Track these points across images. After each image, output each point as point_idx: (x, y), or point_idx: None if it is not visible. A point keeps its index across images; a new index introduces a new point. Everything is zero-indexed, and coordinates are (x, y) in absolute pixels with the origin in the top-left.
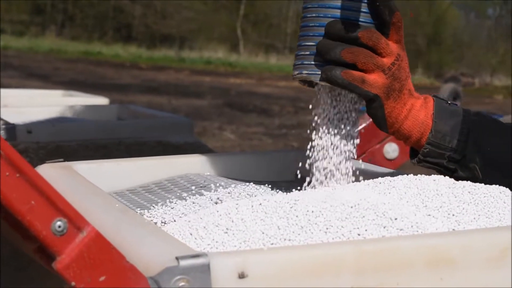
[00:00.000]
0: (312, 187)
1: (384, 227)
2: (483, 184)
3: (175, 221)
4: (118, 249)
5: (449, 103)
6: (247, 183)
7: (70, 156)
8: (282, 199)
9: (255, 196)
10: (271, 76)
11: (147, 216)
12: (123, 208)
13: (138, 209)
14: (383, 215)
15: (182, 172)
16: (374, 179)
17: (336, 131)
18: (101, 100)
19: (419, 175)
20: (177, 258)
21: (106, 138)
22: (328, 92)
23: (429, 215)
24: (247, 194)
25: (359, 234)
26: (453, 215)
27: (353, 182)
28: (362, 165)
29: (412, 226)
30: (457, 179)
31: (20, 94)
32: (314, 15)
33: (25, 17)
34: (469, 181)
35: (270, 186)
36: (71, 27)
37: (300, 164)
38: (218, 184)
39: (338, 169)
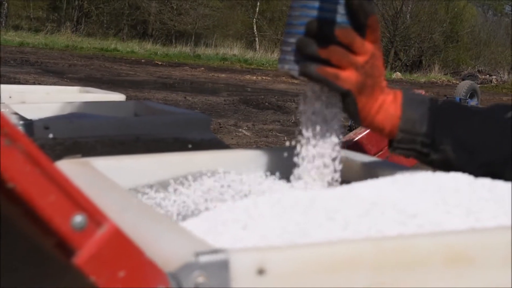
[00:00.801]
0: (301, 181)
1: (403, 224)
2: (502, 182)
3: (193, 217)
4: (137, 245)
5: (415, 94)
6: (265, 179)
7: (88, 152)
8: (301, 195)
9: (274, 192)
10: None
11: (165, 212)
12: (141, 204)
13: (156, 205)
14: (402, 212)
15: (199, 168)
16: (393, 176)
17: (320, 122)
18: (118, 97)
19: (437, 172)
20: (196, 254)
21: (123, 134)
22: (312, 86)
23: (448, 212)
24: (265, 190)
25: (377, 231)
26: (472, 212)
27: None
28: (350, 154)
29: (431, 223)
30: (431, 163)
31: (37, 90)
32: (297, 14)
33: (41, 14)
34: (487, 179)
35: (288, 182)
36: (87, 24)
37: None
38: (235, 180)
39: (325, 160)
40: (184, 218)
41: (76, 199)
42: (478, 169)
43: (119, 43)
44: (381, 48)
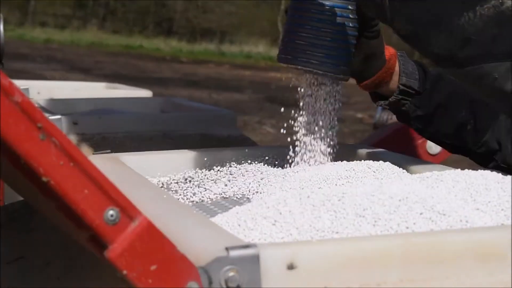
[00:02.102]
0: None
1: (432, 221)
2: None
3: (223, 212)
4: (169, 239)
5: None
6: (293, 175)
7: (116, 147)
8: (330, 191)
9: (302, 188)
10: None
11: (194, 207)
12: (171, 199)
13: (186, 200)
14: (431, 208)
15: (227, 164)
16: (422, 173)
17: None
18: (145, 93)
19: (466, 170)
20: (226, 249)
21: (151, 130)
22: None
23: (478, 209)
24: (294, 186)
25: (407, 228)
26: (501, 209)
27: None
28: (378, 152)
29: (460, 220)
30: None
31: (65, 86)
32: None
33: (67, 10)
34: None
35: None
36: (113, 21)
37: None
38: (263, 175)
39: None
40: (214, 213)
41: (109, 194)
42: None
43: (144, 41)
44: None
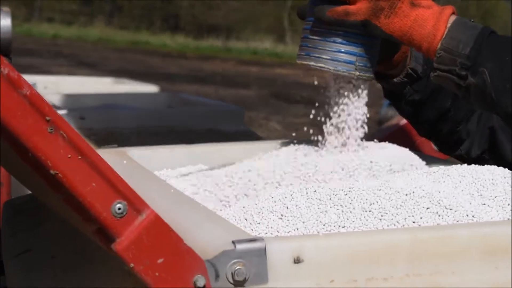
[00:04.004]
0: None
1: (439, 215)
2: None
3: (230, 206)
4: (176, 232)
5: (471, 20)
6: (299, 170)
7: (122, 142)
8: (337, 186)
9: (309, 182)
10: None
11: (202, 202)
12: (178, 193)
13: (193, 194)
14: (438, 203)
15: (234, 159)
16: (429, 168)
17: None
18: (151, 88)
19: (473, 165)
20: (233, 242)
21: (157, 125)
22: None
23: (484, 204)
24: (301, 180)
25: (414, 222)
26: (508, 204)
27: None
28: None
29: (467, 215)
30: (465, 90)
31: (72, 81)
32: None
33: (74, 6)
34: None
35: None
36: (119, 17)
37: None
38: (270, 169)
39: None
40: (221, 207)
41: (117, 187)
42: (506, 115)
43: (151, 37)
44: None
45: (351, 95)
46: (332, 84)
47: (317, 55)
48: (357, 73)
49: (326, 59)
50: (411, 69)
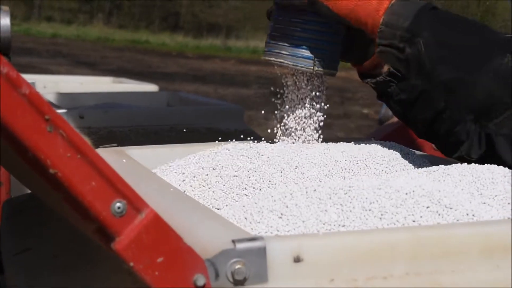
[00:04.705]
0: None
1: (439, 214)
2: None
3: (229, 205)
4: (176, 231)
5: None
6: (300, 168)
7: (122, 141)
8: (337, 185)
9: (309, 181)
10: None
11: (201, 200)
12: (178, 192)
13: (192, 193)
14: (438, 202)
15: (234, 158)
16: (429, 167)
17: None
18: (151, 87)
19: (473, 164)
20: (233, 241)
21: (157, 124)
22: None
23: (484, 203)
24: (301, 179)
25: (414, 221)
26: (508, 203)
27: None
28: (385, 145)
29: (467, 214)
30: (406, 62)
31: (71, 80)
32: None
33: (73, 5)
34: None
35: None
36: (119, 16)
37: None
38: (270, 168)
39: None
40: (221, 206)
41: (116, 186)
42: (439, 84)
43: (150, 35)
44: None
45: (302, 87)
46: (290, 80)
47: (277, 50)
48: (316, 68)
49: (286, 54)
50: (394, 68)
